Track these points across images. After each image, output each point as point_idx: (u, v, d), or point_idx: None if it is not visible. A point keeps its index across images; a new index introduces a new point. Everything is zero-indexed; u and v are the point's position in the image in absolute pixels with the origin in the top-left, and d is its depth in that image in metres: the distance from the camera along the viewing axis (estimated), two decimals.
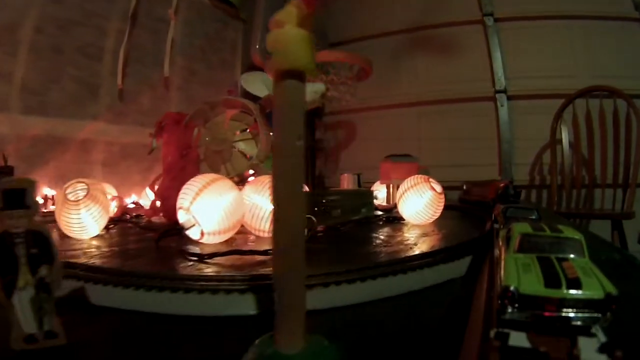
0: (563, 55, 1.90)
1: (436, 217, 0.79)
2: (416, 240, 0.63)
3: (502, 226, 0.42)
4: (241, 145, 0.92)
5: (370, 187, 1.22)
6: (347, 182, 1.36)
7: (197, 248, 0.57)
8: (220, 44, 1.84)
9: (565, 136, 1.74)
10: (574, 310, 0.19)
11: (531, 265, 0.22)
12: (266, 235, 0.63)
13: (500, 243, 0.30)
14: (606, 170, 1.66)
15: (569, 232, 0.26)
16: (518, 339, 0.19)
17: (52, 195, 1.05)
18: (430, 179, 0.78)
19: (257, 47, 1.71)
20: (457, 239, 0.63)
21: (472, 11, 2.02)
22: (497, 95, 1.95)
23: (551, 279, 0.20)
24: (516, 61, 1.96)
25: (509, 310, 0.19)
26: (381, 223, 0.84)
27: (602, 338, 0.19)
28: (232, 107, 0.92)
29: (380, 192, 1.18)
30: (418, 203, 0.77)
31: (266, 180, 0.63)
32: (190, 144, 0.90)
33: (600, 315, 0.19)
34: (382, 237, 0.68)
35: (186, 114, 0.90)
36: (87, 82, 1.34)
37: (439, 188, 0.77)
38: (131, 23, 1.46)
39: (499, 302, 0.20)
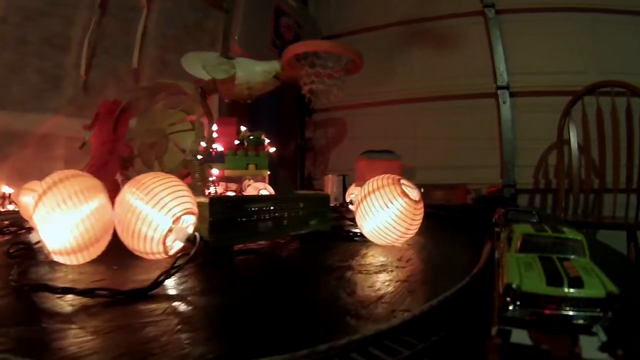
0: (569, 50, 1.91)
1: (409, 236, 0.60)
2: (364, 281, 0.43)
3: (502, 229, 0.45)
4: (178, 137, 0.83)
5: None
6: (331, 183, 1.35)
7: (48, 269, 0.47)
8: (200, 34, 1.86)
9: (573, 136, 1.72)
10: (575, 308, 0.21)
11: (533, 265, 0.24)
12: (152, 257, 0.48)
13: (502, 244, 0.32)
14: (619, 173, 1.63)
15: (571, 233, 0.28)
16: (520, 336, 0.20)
17: (9, 194, 1.04)
18: (403, 180, 0.60)
19: (237, 38, 1.73)
20: (434, 283, 0.43)
21: (471, 2, 2.04)
22: (499, 92, 1.97)
23: (553, 278, 0.22)
24: (519, 55, 1.97)
25: (511, 307, 0.21)
26: (335, 241, 0.68)
27: (603, 337, 0.20)
28: (171, 93, 0.84)
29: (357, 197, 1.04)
30: (381, 215, 0.58)
31: (150, 178, 0.49)
32: (122, 137, 0.81)
33: (601, 314, 0.21)
34: (314, 268, 0.51)
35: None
36: (51, 74, 1.34)
37: (414, 194, 0.59)
38: (100, 12, 1.46)
39: (501, 299, 0.21)
